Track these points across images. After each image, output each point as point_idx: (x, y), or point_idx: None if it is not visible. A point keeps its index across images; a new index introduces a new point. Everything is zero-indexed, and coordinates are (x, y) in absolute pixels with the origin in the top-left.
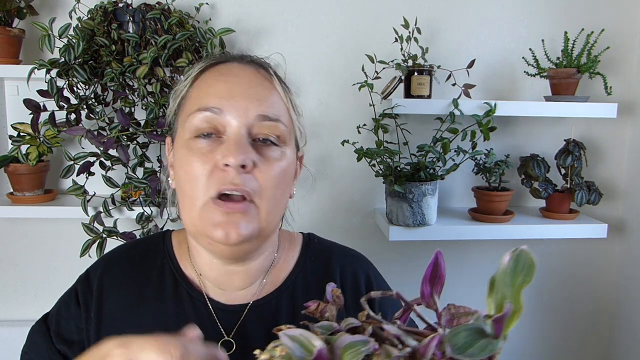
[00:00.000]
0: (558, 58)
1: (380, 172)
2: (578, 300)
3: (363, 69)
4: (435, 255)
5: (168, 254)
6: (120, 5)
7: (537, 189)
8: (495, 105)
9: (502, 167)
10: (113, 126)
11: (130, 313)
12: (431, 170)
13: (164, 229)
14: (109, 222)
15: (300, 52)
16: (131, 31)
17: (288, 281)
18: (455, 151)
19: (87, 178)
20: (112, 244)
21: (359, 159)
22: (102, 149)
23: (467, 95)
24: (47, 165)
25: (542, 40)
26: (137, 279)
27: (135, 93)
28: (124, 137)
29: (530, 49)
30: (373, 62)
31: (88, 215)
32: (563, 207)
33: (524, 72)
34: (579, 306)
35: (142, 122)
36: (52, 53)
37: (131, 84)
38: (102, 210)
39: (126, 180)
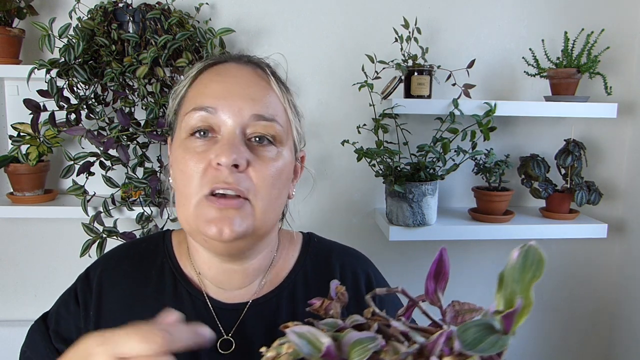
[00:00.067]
0: (558, 58)
1: (380, 172)
2: (578, 300)
3: (363, 69)
4: (440, 252)
5: (168, 253)
6: (120, 5)
7: (537, 189)
8: (495, 105)
9: (502, 167)
10: (113, 126)
11: (129, 312)
12: (431, 170)
13: (164, 229)
14: (109, 222)
15: (300, 52)
16: (131, 31)
17: (288, 280)
18: (455, 151)
19: (87, 178)
20: (112, 244)
21: (359, 159)
22: (102, 149)
23: (467, 95)
24: (47, 165)
25: (542, 40)
26: (136, 278)
27: (135, 93)
28: (124, 137)
29: (530, 49)
30: (373, 62)
31: (88, 215)
32: (563, 207)
33: (524, 72)
34: (579, 306)
35: (142, 122)
36: (52, 53)
37: (131, 84)
38: (102, 210)
39: (126, 180)
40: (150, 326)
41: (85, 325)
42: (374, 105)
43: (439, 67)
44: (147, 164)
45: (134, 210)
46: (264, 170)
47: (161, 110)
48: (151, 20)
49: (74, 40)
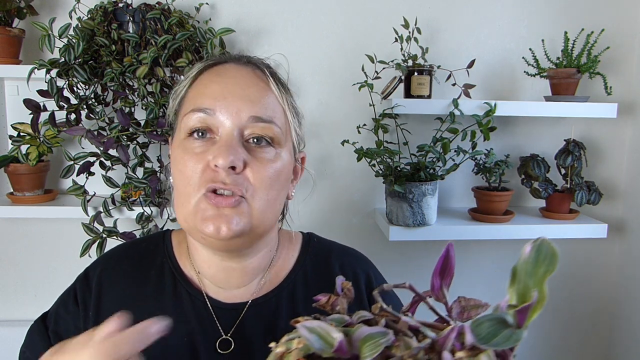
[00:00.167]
0: (558, 58)
1: (380, 172)
2: (578, 300)
3: (363, 69)
4: (446, 248)
5: (167, 253)
6: (120, 5)
7: (537, 189)
8: (495, 105)
9: (502, 167)
10: (113, 126)
11: (129, 312)
12: (431, 170)
13: (164, 229)
14: (109, 222)
15: (300, 52)
16: (131, 31)
17: (288, 280)
18: (455, 151)
19: (87, 178)
20: (112, 244)
21: (359, 159)
22: (102, 149)
23: (467, 95)
24: (47, 165)
25: (542, 40)
26: (136, 278)
27: (135, 93)
28: (124, 137)
29: (530, 49)
30: (373, 62)
31: (88, 215)
32: (563, 207)
33: (524, 72)
34: (579, 306)
35: (142, 122)
36: (52, 53)
37: (131, 84)
38: (102, 210)
39: (126, 180)
40: (99, 339)
41: (85, 325)
42: (374, 105)
43: (439, 67)
44: (147, 164)
45: (134, 210)
46: (262, 172)
47: (161, 110)
48: (151, 20)
49: (74, 40)
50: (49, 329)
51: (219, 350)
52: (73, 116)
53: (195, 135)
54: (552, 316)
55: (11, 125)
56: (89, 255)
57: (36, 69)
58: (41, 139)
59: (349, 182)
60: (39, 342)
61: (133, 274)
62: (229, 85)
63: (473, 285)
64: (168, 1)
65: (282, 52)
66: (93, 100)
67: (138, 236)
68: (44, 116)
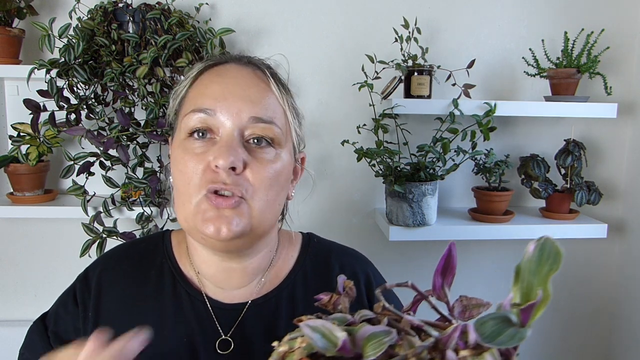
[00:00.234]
0: (558, 58)
1: (380, 172)
2: (578, 300)
3: (363, 69)
4: (448, 247)
5: (167, 253)
6: (120, 5)
7: (537, 189)
8: (495, 105)
9: (502, 167)
10: (113, 126)
11: (128, 312)
12: (431, 170)
13: (164, 229)
14: (109, 222)
15: (300, 52)
16: (131, 31)
17: (287, 280)
18: (455, 151)
19: (87, 178)
20: (112, 244)
21: (359, 159)
22: (102, 149)
23: (467, 95)
24: (47, 165)
25: (542, 40)
26: (136, 278)
27: (135, 93)
28: (124, 137)
29: (530, 49)
30: (373, 62)
31: (88, 215)
32: (563, 207)
33: (524, 72)
34: (579, 306)
35: (142, 122)
36: (52, 53)
37: (131, 84)
38: (102, 210)
39: (126, 180)
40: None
41: (84, 325)
42: (374, 105)
43: (439, 67)
44: (147, 164)
45: (134, 210)
46: (262, 172)
47: (161, 110)
48: (151, 20)
49: (74, 40)
50: (49, 329)
51: (218, 351)
52: (73, 116)
53: (195, 135)
54: (552, 316)
55: (11, 125)
56: (89, 256)
57: (36, 69)
58: (41, 139)
59: (349, 182)
60: (38, 342)
61: (133, 274)
62: (230, 85)
63: (473, 285)
64: (168, 1)
65: (282, 52)
66: (93, 100)
67: (138, 236)
68: (44, 116)
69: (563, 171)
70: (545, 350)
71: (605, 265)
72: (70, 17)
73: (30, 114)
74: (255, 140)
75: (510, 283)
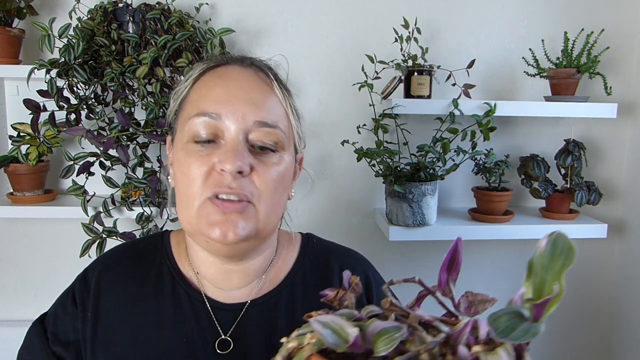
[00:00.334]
0: (558, 58)
1: (380, 172)
2: (578, 300)
3: (363, 69)
4: (455, 243)
5: (166, 253)
6: (120, 5)
7: (537, 189)
8: (495, 105)
9: (502, 167)
10: (113, 126)
11: (127, 312)
12: (431, 170)
13: (164, 229)
14: (108, 222)
15: (300, 52)
16: (131, 31)
17: (287, 280)
18: (455, 151)
19: (87, 178)
20: (111, 244)
21: (359, 159)
22: (102, 149)
23: (467, 95)
24: (47, 165)
25: (542, 40)
26: (135, 279)
27: (135, 93)
28: (124, 137)
29: (530, 49)
30: (373, 62)
31: (88, 216)
32: (563, 207)
33: (524, 72)
34: (579, 306)
35: (142, 122)
36: (52, 53)
37: (131, 84)
38: (102, 211)
39: (126, 180)
40: None
41: (83, 326)
42: (374, 105)
43: (439, 67)
44: (147, 164)
45: (133, 210)
46: (267, 175)
47: (161, 110)
48: (151, 20)
49: (74, 40)
50: (48, 330)
51: (218, 351)
52: (73, 116)
53: (199, 141)
54: (552, 316)
55: (11, 126)
56: (89, 256)
57: (36, 69)
58: (41, 139)
59: (349, 182)
60: (37, 343)
61: (132, 274)
62: (233, 88)
63: (473, 285)
64: (168, 1)
65: (282, 52)
66: (93, 100)
67: (138, 236)
68: (44, 116)
69: (563, 171)
70: (545, 350)
71: (605, 265)
72: (70, 17)
73: (30, 114)
74: (260, 148)
75: (510, 283)
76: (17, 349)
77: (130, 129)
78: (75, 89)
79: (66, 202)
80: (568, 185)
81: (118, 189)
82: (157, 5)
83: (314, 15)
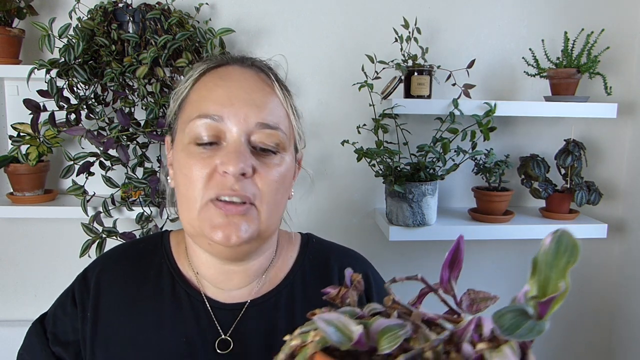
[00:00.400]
0: (558, 58)
1: (380, 172)
2: (578, 300)
3: (363, 69)
4: (457, 240)
5: (166, 253)
6: (120, 5)
7: (537, 189)
8: (495, 105)
9: (502, 167)
10: (113, 126)
11: (127, 312)
12: (431, 170)
13: (163, 229)
14: (108, 222)
15: (300, 52)
16: (131, 31)
17: (286, 280)
18: (455, 151)
19: (87, 178)
20: (111, 244)
21: (359, 159)
22: (102, 149)
23: (467, 95)
24: (47, 165)
25: (542, 40)
26: (135, 278)
27: (135, 93)
28: (124, 137)
29: (530, 49)
30: (373, 62)
31: (88, 216)
32: (563, 207)
33: (524, 72)
34: (579, 306)
35: (142, 122)
36: (52, 53)
37: (131, 84)
38: (101, 211)
39: (126, 180)
40: None
41: (82, 326)
42: (374, 105)
43: (439, 67)
44: (147, 164)
45: (133, 210)
46: (269, 177)
47: (161, 110)
48: (151, 20)
49: (74, 40)
50: (47, 330)
51: (217, 351)
52: (73, 116)
53: (201, 144)
54: (552, 315)
55: (11, 126)
56: (89, 256)
57: (36, 69)
58: (41, 139)
59: (349, 182)
60: (37, 344)
61: (132, 274)
62: (234, 89)
63: (473, 285)
64: (168, 1)
65: (282, 52)
66: (93, 100)
67: (138, 236)
68: (43, 116)
69: (563, 171)
70: (545, 349)
71: (605, 265)
72: (70, 17)
73: (30, 114)
74: (261, 149)
75: (510, 283)
76: (17, 349)
77: (130, 129)
78: (75, 89)
79: (66, 202)
80: (568, 185)
81: (118, 189)
82: (157, 5)
83: (314, 15)
